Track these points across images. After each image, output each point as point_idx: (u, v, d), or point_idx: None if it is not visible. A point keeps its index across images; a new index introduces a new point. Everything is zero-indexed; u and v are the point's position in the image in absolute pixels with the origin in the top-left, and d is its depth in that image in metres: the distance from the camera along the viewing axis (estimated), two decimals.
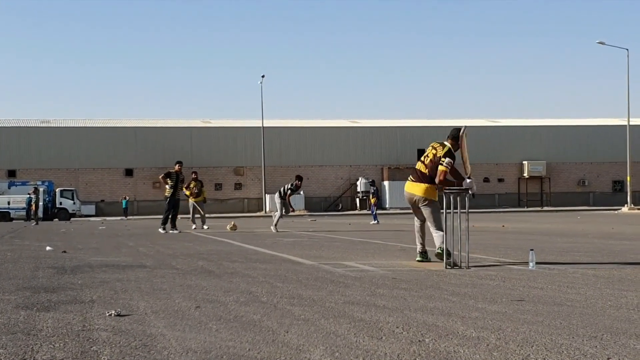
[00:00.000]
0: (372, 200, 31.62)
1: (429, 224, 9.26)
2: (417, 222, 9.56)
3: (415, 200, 9.37)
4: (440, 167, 9.04)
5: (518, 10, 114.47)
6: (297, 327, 4.54)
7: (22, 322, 4.83)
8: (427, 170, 9.25)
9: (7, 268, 8.98)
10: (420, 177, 9.34)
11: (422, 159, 9.47)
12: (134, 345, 4.02)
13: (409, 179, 9.62)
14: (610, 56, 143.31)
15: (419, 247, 9.41)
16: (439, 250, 8.88)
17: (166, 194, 21.46)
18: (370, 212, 31.45)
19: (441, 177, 9.03)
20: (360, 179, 64.35)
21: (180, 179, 21.57)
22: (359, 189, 63.98)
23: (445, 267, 8.36)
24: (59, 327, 4.62)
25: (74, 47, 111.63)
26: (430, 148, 9.41)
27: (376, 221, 29.43)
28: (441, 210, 8.95)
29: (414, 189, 9.39)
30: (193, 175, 25.40)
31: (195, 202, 24.69)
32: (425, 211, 9.29)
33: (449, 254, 8.64)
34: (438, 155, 9.19)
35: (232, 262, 9.69)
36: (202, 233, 20.66)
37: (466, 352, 3.80)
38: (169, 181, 21.25)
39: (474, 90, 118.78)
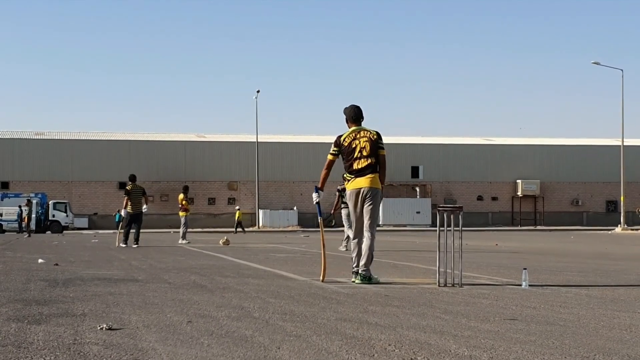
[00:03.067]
0: None
1: (366, 223, 8.65)
2: (353, 238, 8.93)
3: (363, 193, 8.66)
4: (382, 152, 8.81)
5: (513, 30, 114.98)
6: (289, 344, 4.53)
7: (13, 334, 4.81)
8: (372, 159, 8.69)
9: None
10: (368, 168, 8.71)
11: (358, 154, 8.71)
12: (125, 359, 4.00)
13: (353, 176, 8.81)
14: (605, 76, 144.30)
15: (356, 267, 8.77)
16: (363, 274, 8.54)
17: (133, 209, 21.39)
18: None
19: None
20: None
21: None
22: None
23: (438, 285, 8.34)
24: (50, 340, 4.60)
25: (68, 59, 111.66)
26: (356, 136, 8.80)
27: None
28: (434, 228, 8.81)
29: (363, 182, 8.69)
30: (184, 191, 25.70)
31: (187, 216, 24.90)
32: (370, 207, 8.64)
33: (370, 279, 8.53)
34: (374, 139, 8.75)
35: (224, 277, 9.67)
36: (194, 247, 20.62)
37: None
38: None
39: (468, 109, 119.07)
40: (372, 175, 8.71)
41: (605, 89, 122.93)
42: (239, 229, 48.47)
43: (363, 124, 9.02)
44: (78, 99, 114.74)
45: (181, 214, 25.14)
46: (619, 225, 53.94)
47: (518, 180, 69.01)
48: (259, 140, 61.42)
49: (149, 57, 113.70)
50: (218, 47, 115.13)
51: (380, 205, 8.97)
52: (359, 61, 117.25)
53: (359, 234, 8.88)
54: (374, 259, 8.83)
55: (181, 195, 25.43)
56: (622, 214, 54.57)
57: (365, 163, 8.72)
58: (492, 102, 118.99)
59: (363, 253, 8.63)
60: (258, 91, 61.92)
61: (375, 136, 8.81)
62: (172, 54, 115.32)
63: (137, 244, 20.70)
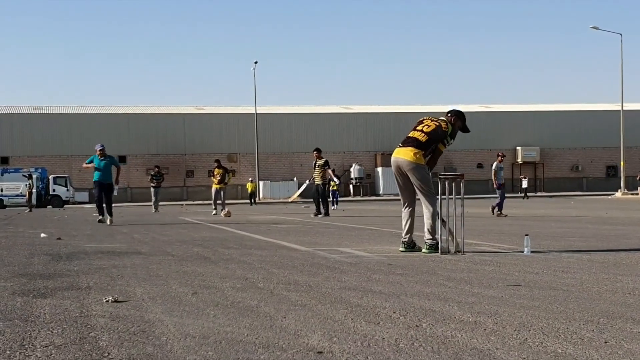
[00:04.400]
0: (336, 187, 35.17)
1: (420, 194, 8.57)
2: (403, 210, 8.88)
3: (401, 167, 8.59)
4: (441, 146, 8.60)
5: None
6: (295, 313, 4.55)
7: (19, 308, 4.83)
8: (424, 138, 8.54)
9: (2, 255, 8.96)
10: (412, 142, 8.59)
11: (419, 127, 8.69)
12: (132, 330, 4.02)
13: (398, 145, 8.85)
14: (604, 41, 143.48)
15: (403, 237, 8.80)
16: (427, 247, 8.49)
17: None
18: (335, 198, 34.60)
19: (436, 157, 8.67)
20: (353, 165, 64.39)
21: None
22: (352, 176, 64.05)
23: (440, 253, 8.36)
24: (57, 313, 4.62)
25: (67, 33, 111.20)
26: (431, 120, 8.73)
27: (334, 206, 32.60)
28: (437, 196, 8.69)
29: (400, 152, 8.63)
30: (216, 164, 25.99)
31: (217, 188, 25.18)
32: (414, 178, 8.53)
33: (436, 247, 8.42)
34: (444, 129, 8.58)
35: (227, 248, 9.69)
36: (195, 220, 20.65)
37: (464, 336, 3.81)
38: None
39: (467, 76, 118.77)
40: (413, 149, 8.52)
41: (604, 54, 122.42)
42: (252, 201, 48.92)
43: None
44: (76, 74, 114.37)
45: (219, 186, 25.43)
46: (619, 190, 53.97)
47: (518, 147, 68.99)
48: (257, 112, 61.28)
49: (146, 30, 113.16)
50: (215, 19, 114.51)
51: (418, 177, 8.55)
52: (358, 30, 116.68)
53: (403, 205, 8.92)
54: (430, 227, 8.58)
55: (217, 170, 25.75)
56: (622, 179, 54.59)
57: (417, 135, 8.62)
58: (491, 69, 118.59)
59: (424, 224, 8.58)
60: (256, 62, 61.74)
61: (446, 127, 8.66)
62: (169, 27, 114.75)
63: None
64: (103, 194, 18.26)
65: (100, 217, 18.21)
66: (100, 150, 18.58)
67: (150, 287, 5.77)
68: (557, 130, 69.90)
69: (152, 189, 30.95)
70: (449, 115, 8.93)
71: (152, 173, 31.53)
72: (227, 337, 3.84)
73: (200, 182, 61.87)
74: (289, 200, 22.37)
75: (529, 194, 52.42)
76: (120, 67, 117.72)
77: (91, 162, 18.59)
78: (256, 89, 60.73)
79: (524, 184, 52.31)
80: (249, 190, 50.33)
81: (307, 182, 23.20)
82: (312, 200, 23.52)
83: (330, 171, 22.90)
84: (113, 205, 18.74)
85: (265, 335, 3.87)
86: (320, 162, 22.31)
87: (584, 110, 71.72)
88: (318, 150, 22.89)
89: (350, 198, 59.36)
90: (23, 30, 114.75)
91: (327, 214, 21.82)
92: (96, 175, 18.45)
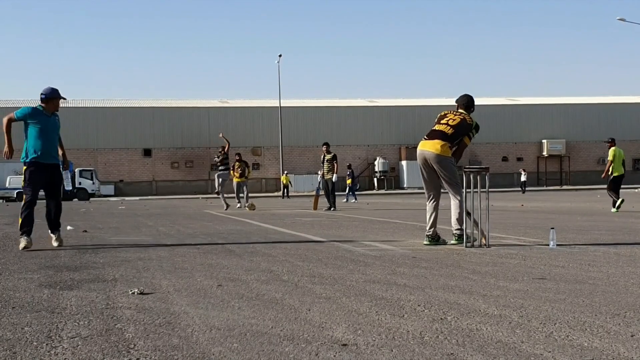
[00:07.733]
0: (348, 182, 36.27)
1: (447, 185, 8.58)
2: (428, 204, 8.86)
3: (428, 159, 8.62)
4: (466, 139, 8.65)
5: None
6: (319, 305, 4.55)
7: (46, 300, 4.88)
8: (450, 131, 8.58)
9: None
10: (438, 135, 8.62)
11: (443, 121, 8.71)
12: (158, 322, 4.05)
13: (423, 138, 8.84)
14: (631, 33, 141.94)
15: (428, 230, 8.76)
16: (456, 238, 8.54)
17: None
18: (350, 192, 35.73)
19: (462, 149, 8.70)
20: (378, 158, 64.28)
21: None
22: (376, 169, 63.96)
23: (465, 246, 8.33)
24: (83, 305, 4.66)
25: (93, 27, 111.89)
26: (454, 114, 8.76)
27: (352, 200, 34.00)
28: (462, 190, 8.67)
29: (427, 145, 8.64)
30: (237, 157, 26.11)
31: (239, 182, 25.28)
32: (440, 170, 8.55)
33: (463, 237, 8.43)
34: (468, 122, 8.65)
35: (252, 241, 9.71)
36: (221, 213, 20.72)
37: (489, 329, 3.79)
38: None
39: (492, 69, 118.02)
40: (440, 142, 8.56)
41: (631, 46, 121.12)
42: (285, 194, 49.03)
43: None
44: (101, 67, 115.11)
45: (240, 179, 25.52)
46: None
47: (543, 140, 68.50)
48: (282, 105, 61.33)
49: (170, 24, 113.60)
50: (239, 12, 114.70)
51: (445, 168, 8.58)
52: (382, 23, 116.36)
53: (428, 198, 8.91)
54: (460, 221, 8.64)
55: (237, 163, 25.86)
56: None
57: (442, 128, 8.65)
58: (516, 61, 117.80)
59: (452, 215, 8.65)
60: (280, 55, 61.75)
61: (470, 121, 8.74)
62: (194, 21, 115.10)
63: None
64: (49, 186, 9.65)
65: (26, 238, 9.19)
66: (47, 98, 9.11)
67: (176, 280, 5.80)
68: (583, 123, 69.34)
69: (217, 178, 24.42)
70: (462, 110, 8.93)
71: (217, 156, 24.93)
72: (252, 329, 3.86)
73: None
74: (314, 208, 22.25)
75: (526, 188, 50.93)
76: (145, 60, 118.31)
77: (22, 117, 8.95)
78: (280, 82, 60.79)
79: (523, 178, 51.33)
80: (284, 183, 50.51)
81: (319, 178, 23.22)
82: (337, 192, 23.52)
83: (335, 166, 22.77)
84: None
85: (290, 328, 3.88)
86: (329, 156, 22.33)
87: (610, 103, 71.06)
88: (327, 144, 22.84)
89: (374, 191, 59.27)
90: (50, 25, 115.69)
91: (334, 208, 21.81)
92: (37, 147, 9.00)
